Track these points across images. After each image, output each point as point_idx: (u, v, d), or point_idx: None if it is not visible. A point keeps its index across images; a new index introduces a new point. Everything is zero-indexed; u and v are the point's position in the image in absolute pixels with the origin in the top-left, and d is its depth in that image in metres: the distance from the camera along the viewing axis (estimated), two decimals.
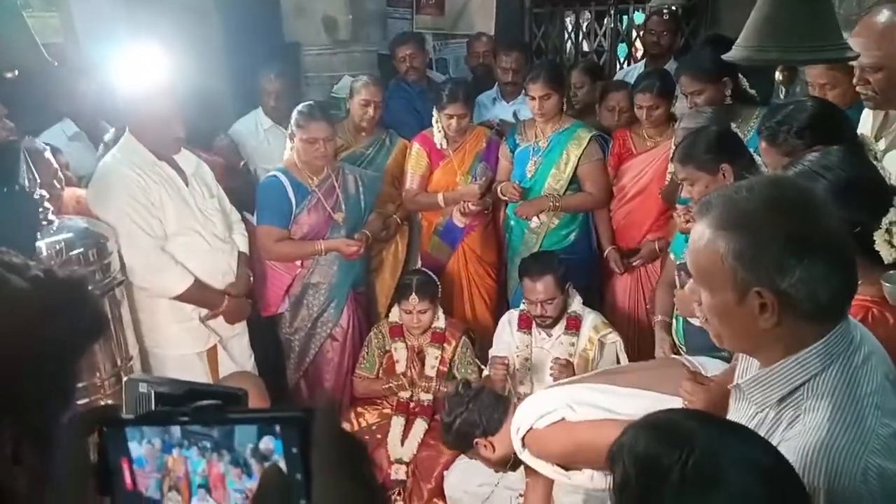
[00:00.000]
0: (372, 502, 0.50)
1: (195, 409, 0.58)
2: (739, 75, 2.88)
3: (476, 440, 2.34)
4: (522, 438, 2.06)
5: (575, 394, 2.07)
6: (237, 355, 2.94)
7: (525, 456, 2.11)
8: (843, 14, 2.29)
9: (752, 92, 3.00)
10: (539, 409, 2.06)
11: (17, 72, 2.26)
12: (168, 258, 2.63)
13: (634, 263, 3.31)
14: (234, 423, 0.55)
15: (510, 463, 2.32)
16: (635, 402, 1.89)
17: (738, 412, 1.19)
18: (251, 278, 2.98)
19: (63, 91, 3.32)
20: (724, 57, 1.99)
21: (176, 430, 0.57)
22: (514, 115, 3.77)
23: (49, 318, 0.59)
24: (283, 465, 0.53)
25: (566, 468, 2.05)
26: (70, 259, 2.30)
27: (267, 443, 0.54)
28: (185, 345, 2.76)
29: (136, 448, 0.58)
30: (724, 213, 1.09)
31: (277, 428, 0.53)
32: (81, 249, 2.36)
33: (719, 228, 1.09)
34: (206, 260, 2.74)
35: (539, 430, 2.02)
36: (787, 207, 1.07)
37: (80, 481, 0.58)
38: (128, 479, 0.58)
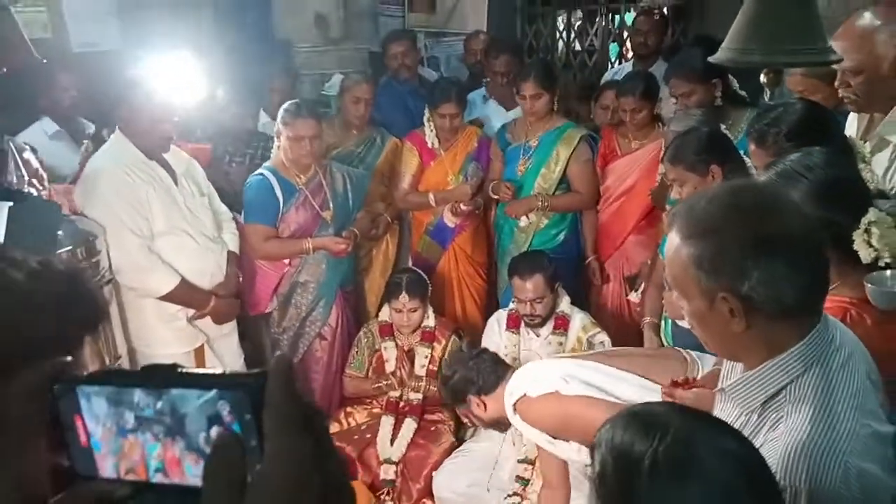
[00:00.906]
0: (323, 460, 0.50)
1: (145, 368, 0.58)
2: (730, 76, 2.89)
3: (470, 397, 2.39)
4: (514, 404, 2.10)
5: (570, 368, 2.10)
6: (226, 355, 2.94)
7: (515, 420, 2.15)
8: (832, 16, 2.30)
9: (743, 93, 3.00)
10: (534, 378, 2.10)
11: (5, 69, 2.25)
12: (155, 258, 2.62)
13: (639, 293, 3.17)
14: (185, 385, 0.54)
15: (499, 424, 2.40)
16: (626, 387, 1.93)
17: (722, 415, 1.20)
18: (240, 278, 2.97)
19: (41, 86, 3.20)
20: (710, 59, 2.00)
21: (130, 416, 0.56)
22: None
23: (45, 308, 0.60)
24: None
25: (553, 436, 2.08)
26: (59, 257, 2.29)
27: (217, 431, 0.53)
28: (172, 345, 2.74)
29: (92, 424, 0.58)
30: (686, 222, 1.11)
31: (227, 397, 0.53)
32: (70, 247, 2.35)
33: (683, 237, 1.11)
34: (195, 259, 2.73)
35: (531, 398, 2.07)
36: (743, 212, 1.08)
37: (36, 436, 0.58)
38: (82, 437, 0.58)
